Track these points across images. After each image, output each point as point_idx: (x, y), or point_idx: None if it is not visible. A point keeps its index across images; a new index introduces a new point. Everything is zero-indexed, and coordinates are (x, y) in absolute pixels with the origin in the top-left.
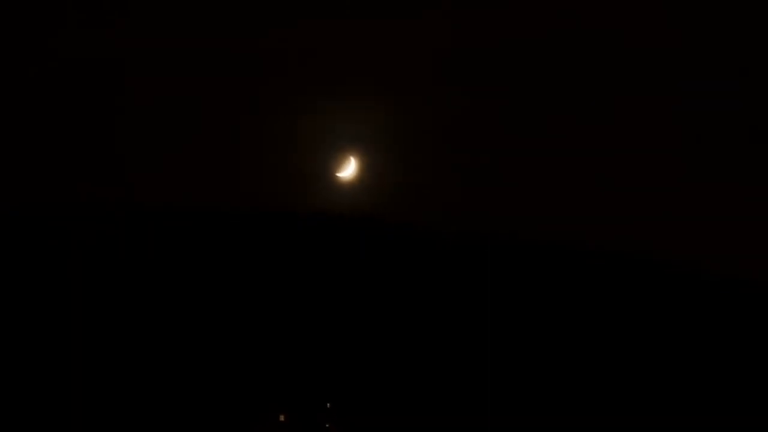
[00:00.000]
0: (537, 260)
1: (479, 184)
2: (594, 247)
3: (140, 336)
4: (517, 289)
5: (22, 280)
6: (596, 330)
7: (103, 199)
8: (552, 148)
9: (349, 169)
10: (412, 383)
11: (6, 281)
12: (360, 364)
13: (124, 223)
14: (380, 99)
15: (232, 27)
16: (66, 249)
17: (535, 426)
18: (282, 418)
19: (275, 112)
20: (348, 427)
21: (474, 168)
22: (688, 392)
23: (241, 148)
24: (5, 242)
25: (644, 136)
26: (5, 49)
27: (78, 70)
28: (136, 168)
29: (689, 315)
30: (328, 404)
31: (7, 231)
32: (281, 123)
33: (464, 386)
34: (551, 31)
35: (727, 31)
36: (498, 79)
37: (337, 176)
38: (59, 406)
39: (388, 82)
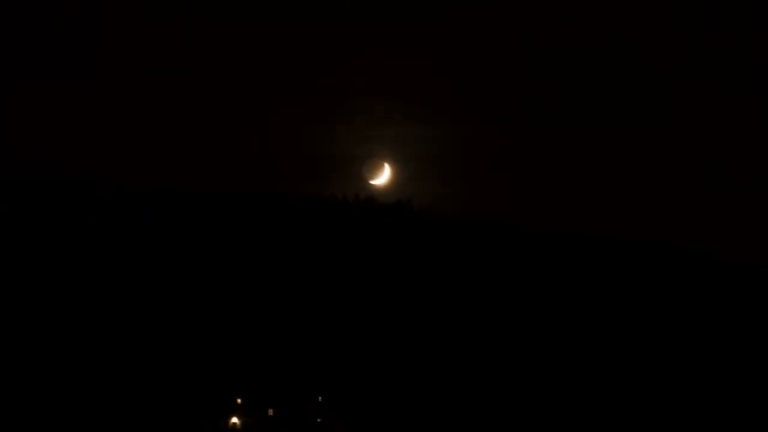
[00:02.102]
0: (541, 249)
1: (487, 178)
2: (609, 238)
3: (136, 332)
4: (523, 279)
5: (22, 279)
6: (603, 317)
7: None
8: (558, 147)
9: (383, 176)
10: (411, 377)
11: (6, 280)
12: (355, 358)
13: (144, 209)
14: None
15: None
16: (66, 248)
17: (541, 416)
18: (271, 412)
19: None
20: (341, 421)
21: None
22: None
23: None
24: (5, 242)
25: (645, 136)
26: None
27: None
28: (181, 158)
29: (696, 303)
30: (320, 398)
31: (7, 231)
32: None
33: (461, 379)
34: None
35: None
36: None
37: (372, 183)
38: (59, 401)
39: (420, 89)
